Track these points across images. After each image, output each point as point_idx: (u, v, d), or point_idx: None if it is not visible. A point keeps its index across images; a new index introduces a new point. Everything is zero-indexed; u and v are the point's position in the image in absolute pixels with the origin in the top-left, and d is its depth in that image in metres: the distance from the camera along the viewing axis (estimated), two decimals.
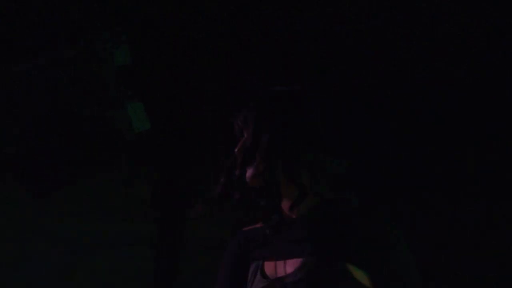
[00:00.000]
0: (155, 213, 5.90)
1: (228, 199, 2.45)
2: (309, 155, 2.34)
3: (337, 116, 2.40)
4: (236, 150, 2.41)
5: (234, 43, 5.19)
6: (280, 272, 2.33)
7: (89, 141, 5.16)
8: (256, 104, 2.40)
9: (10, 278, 5.89)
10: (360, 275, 2.20)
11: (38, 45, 4.90)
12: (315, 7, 5.15)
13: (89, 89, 4.98)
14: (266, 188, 2.35)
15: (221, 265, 2.50)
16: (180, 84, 5.38)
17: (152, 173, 5.87)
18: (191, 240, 5.85)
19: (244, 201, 2.42)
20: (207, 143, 5.52)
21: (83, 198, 5.86)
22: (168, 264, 5.90)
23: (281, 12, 5.22)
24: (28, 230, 5.91)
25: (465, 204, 6.11)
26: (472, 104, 5.89)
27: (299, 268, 2.29)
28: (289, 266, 2.32)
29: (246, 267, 2.43)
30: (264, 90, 2.45)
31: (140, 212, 5.94)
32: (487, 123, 6.00)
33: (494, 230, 6.15)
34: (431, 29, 5.55)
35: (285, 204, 2.38)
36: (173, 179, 5.85)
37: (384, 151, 5.77)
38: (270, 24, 5.19)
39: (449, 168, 6.12)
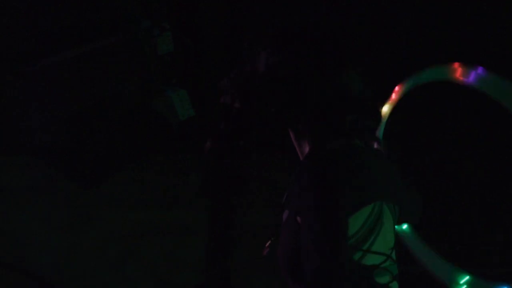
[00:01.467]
0: (205, 200, 5.92)
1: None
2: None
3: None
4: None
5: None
6: None
7: (134, 130, 5.19)
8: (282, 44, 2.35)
9: (65, 267, 5.98)
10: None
11: (78, 35, 4.95)
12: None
13: (133, 79, 5.01)
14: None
15: None
16: (224, 69, 5.38)
17: (200, 161, 5.89)
18: (240, 226, 5.87)
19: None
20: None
21: (132, 187, 5.91)
22: (219, 250, 5.92)
23: None
24: (80, 220, 5.98)
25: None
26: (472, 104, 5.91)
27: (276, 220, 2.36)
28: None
29: None
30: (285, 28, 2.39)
31: (190, 200, 5.98)
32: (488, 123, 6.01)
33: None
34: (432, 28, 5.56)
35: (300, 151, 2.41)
36: (222, 166, 5.86)
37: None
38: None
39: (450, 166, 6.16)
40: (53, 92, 5.07)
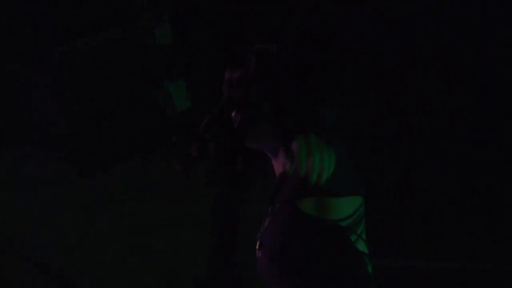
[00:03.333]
0: (211, 192, 5.91)
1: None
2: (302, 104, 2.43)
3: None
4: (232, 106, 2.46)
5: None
6: None
7: (136, 122, 5.21)
8: (258, 62, 2.42)
9: (75, 258, 6.02)
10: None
11: (80, 27, 4.98)
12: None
13: (134, 71, 5.04)
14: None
15: None
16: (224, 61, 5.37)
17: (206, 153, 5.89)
18: (246, 217, 5.86)
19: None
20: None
21: (139, 179, 5.94)
22: (224, 244, 5.91)
23: None
24: (89, 211, 6.03)
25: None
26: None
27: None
28: None
29: None
30: (261, 49, 2.44)
31: (196, 193, 5.99)
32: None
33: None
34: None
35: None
36: (228, 158, 5.85)
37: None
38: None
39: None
40: (57, 86, 5.12)
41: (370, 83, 5.94)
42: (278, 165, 2.49)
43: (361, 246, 2.41)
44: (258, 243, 2.44)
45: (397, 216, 6.29)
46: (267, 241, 2.38)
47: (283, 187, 2.43)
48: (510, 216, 6.14)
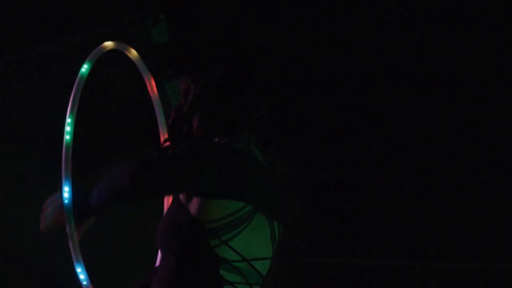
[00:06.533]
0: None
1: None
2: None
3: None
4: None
5: None
6: None
7: (128, 121, 5.17)
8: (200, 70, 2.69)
9: (60, 257, 5.92)
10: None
11: (70, 25, 4.91)
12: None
13: (127, 70, 4.97)
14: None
15: None
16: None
17: None
18: None
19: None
20: None
21: None
22: None
23: None
24: None
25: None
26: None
27: None
28: None
29: None
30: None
31: None
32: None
33: None
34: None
35: None
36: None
37: None
38: None
39: None
40: (47, 81, 5.06)
41: (370, 83, 5.93)
42: None
43: (226, 254, 2.43)
44: None
45: (396, 215, 6.29)
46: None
47: None
48: (510, 216, 6.15)
